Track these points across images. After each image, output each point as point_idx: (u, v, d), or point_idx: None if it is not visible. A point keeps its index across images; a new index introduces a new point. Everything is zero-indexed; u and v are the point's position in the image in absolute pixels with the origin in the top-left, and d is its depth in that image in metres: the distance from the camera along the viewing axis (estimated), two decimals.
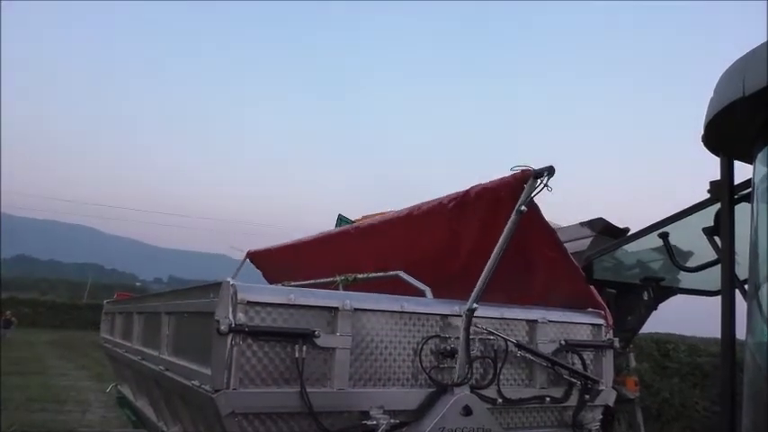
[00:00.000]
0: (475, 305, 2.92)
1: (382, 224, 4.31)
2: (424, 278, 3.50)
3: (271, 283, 6.41)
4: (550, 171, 2.94)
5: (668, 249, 3.48)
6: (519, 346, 3.22)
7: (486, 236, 3.34)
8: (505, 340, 3.17)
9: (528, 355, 3.27)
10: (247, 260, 6.45)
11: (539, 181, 2.96)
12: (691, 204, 3.43)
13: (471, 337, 3.07)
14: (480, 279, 2.97)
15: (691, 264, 3.71)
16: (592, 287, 3.73)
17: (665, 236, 3.47)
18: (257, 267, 6.47)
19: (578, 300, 3.67)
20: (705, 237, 3.62)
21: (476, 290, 2.95)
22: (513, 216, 2.98)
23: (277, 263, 6.04)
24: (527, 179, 2.99)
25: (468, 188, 3.43)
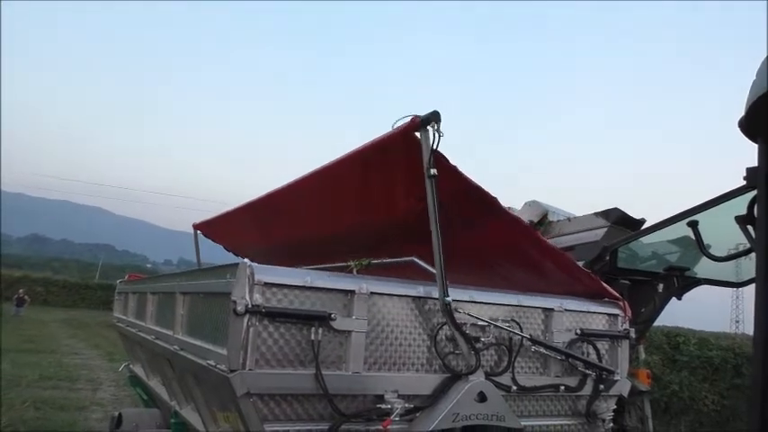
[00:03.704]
0: (448, 298, 2.76)
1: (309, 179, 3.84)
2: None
3: (227, 249, 6.39)
4: (436, 117, 2.67)
5: (698, 238, 3.42)
6: (532, 340, 3.19)
7: (387, 194, 3.29)
8: (521, 336, 3.15)
9: (541, 349, 3.25)
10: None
11: (430, 130, 2.70)
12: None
13: (486, 324, 3.06)
14: (436, 267, 2.77)
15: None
16: (600, 281, 3.70)
17: (694, 224, 3.41)
18: (208, 237, 6.31)
19: (593, 296, 3.65)
20: (698, 230, 3.55)
21: (439, 282, 2.77)
22: (426, 183, 2.73)
23: (230, 228, 5.84)
24: (416, 129, 2.73)
25: (357, 147, 3.15)
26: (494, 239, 3.50)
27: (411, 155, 2.80)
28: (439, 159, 2.77)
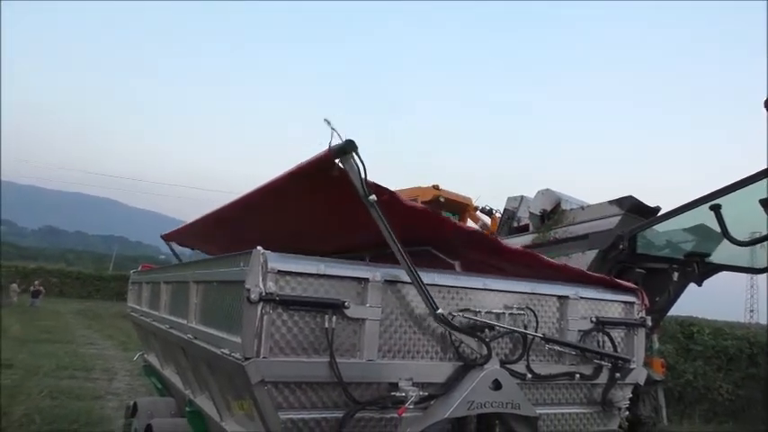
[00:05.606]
0: (439, 311, 2.73)
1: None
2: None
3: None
4: (352, 146, 2.54)
5: (720, 223, 3.36)
6: (545, 339, 3.16)
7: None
8: (533, 335, 3.14)
9: (555, 347, 3.22)
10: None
11: (351, 160, 2.58)
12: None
13: (501, 311, 3.05)
14: (416, 286, 2.73)
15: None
16: (613, 280, 3.68)
17: (716, 208, 3.35)
18: (180, 245, 6.46)
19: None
20: (720, 214, 3.49)
21: (423, 298, 2.73)
22: (371, 211, 2.63)
23: (197, 235, 5.86)
24: (335, 158, 2.59)
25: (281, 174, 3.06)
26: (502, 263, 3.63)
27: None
28: (434, 214, 2.99)
